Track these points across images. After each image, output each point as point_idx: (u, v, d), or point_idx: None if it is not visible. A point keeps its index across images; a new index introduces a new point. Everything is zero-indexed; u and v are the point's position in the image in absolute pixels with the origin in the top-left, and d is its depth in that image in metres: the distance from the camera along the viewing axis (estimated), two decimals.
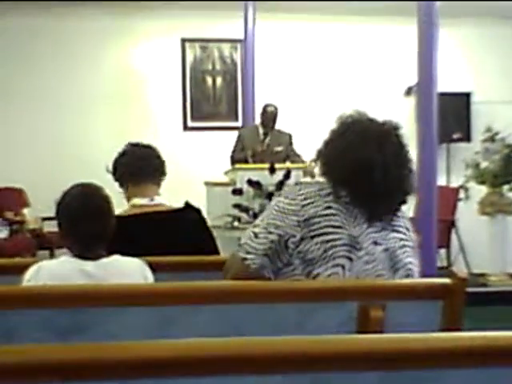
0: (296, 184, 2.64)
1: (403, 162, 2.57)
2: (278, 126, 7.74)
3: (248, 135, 7.77)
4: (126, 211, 3.47)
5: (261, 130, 7.70)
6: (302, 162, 7.22)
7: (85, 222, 2.71)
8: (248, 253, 2.48)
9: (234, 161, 7.62)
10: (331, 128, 2.64)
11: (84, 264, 2.67)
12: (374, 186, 2.47)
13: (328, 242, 2.41)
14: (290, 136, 7.71)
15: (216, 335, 1.56)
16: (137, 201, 3.49)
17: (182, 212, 3.52)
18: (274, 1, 8.43)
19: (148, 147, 3.65)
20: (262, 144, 7.58)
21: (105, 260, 2.71)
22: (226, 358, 1.48)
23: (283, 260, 2.45)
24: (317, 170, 2.64)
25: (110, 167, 3.61)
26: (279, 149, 7.52)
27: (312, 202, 2.46)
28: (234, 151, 7.73)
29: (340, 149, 2.55)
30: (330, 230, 2.42)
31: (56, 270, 2.64)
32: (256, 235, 2.49)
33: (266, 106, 7.77)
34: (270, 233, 2.46)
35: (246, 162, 7.32)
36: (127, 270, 2.71)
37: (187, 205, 3.58)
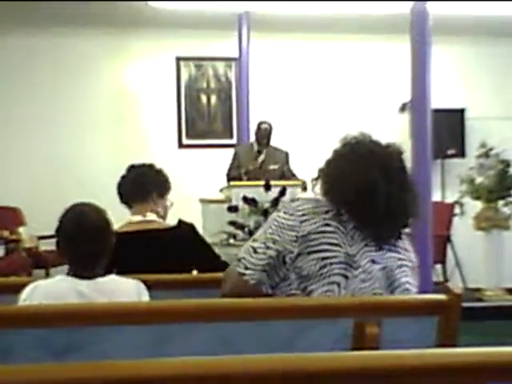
0: (295, 200, 2.64)
1: (407, 187, 2.57)
2: (273, 144, 7.75)
3: (243, 153, 7.78)
4: (119, 229, 3.49)
5: (255, 148, 7.71)
6: (297, 181, 7.21)
7: (82, 242, 2.71)
8: (246, 268, 2.48)
9: (229, 178, 7.63)
10: (334, 148, 2.64)
11: (79, 283, 2.67)
12: (377, 209, 2.47)
13: (324, 259, 2.42)
14: (286, 154, 7.71)
15: (210, 353, 1.56)
16: (132, 218, 3.53)
17: (175, 229, 3.54)
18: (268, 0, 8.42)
19: (143, 166, 3.69)
20: (256, 161, 7.59)
21: (101, 279, 2.70)
22: (221, 375, 1.48)
23: (280, 275, 2.46)
24: (317, 189, 2.63)
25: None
26: (274, 167, 7.52)
27: (310, 219, 2.46)
28: (229, 169, 7.74)
29: (343, 170, 2.55)
30: (327, 247, 2.43)
31: (51, 289, 2.64)
32: (255, 250, 2.49)
33: (260, 124, 7.78)
34: (269, 248, 2.47)
35: (241, 179, 7.32)
36: (123, 290, 2.71)
37: (180, 222, 3.60)
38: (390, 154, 2.59)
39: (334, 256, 2.42)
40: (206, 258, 3.55)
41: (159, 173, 3.71)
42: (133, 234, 3.45)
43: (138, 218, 3.52)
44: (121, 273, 2.79)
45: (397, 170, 2.56)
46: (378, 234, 2.49)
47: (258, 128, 7.74)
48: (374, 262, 2.47)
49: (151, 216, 3.55)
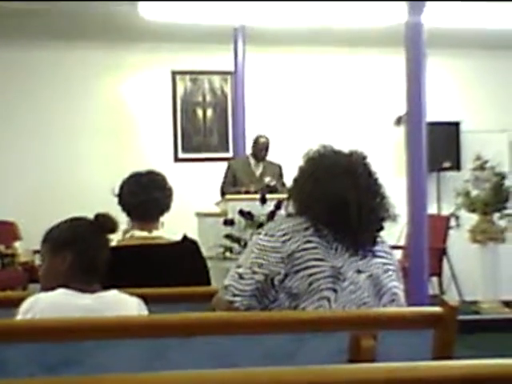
0: (273, 220, 2.66)
1: (375, 191, 2.60)
2: (269, 158, 7.76)
3: (239, 167, 7.78)
4: (122, 241, 3.49)
5: (252, 161, 7.71)
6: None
7: (76, 256, 2.72)
8: (235, 295, 2.47)
9: (223, 193, 7.62)
10: (299, 165, 2.66)
11: (82, 297, 2.65)
12: (350, 220, 2.49)
13: (311, 275, 2.42)
14: (279, 167, 7.72)
15: (207, 366, 1.56)
16: (136, 233, 3.50)
17: (179, 245, 3.53)
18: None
19: (154, 177, 3.62)
20: (254, 176, 7.59)
21: (102, 294, 2.69)
22: None
23: (270, 298, 2.45)
24: (290, 209, 2.65)
25: (116, 190, 3.61)
26: (272, 183, 7.51)
27: (292, 238, 2.47)
28: (224, 183, 7.73)
29: (311, 188, 2.57)
30: (313, 263, 2.43)
31: (53, 303, 2.62)
32: (241, 276, 2.48)
33: (257, 137, 7.80)
34: (255, 273, 2.46)
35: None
36: (125, 306, 2.69)
37: (185, 238, 3.59)
38: (355, 162, 2.61)
39: (321, 271, 2.43)
40: (201, 279, 3.52)
41: (170, 195, 3.64)
42: (135, 248, 3.44)
43: (143, 233, 3.50)
44: (120, 286, 2.78)
45: (363, 176, 2.59)
46: (355, 242, 2.50)
47: (256, 142, 7.76)
48: (359, 271, 2.48)
49: (157, 232, 3.53)
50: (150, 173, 3.62)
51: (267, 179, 7.53)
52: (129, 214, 3.56)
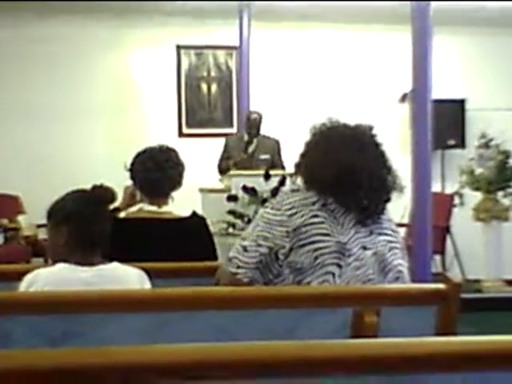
0: (281, 194, 2.65)
1: (382, 162, 2.60)
2: (265, 133, 7.71)
3: (233, 143, 7.77)
4: (131, 213, 3.49)
5: (245, 138, 7.69)
6: (283, 170, 7.12)
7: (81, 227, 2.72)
8: (238, 267, 2.48)
9: (220, 170, 7.63)
10: (306, 140, 2.66)
11: (82, 270, 2.66)
12: (361, 187, 2.49)
13: (317, 250, 2.42)
14: (277, 142, 7.66)
15: (209, 341, 1.56)
16: (145, 206, 3.51)
17: (187, 220, 3.53)
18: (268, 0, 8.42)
19: (168, 153, 3.61)
20: (246, 152, 7.56)
21: (103, 267, 2.70)
22: (220, 362, 1.48)
23: (273, 271, 2.45)
24: (299, 182, 2.65)
25: (128, 165, 3.61)
26: (265, 157, 7.48)
27: (298, 212, 2.46)
28: (220, 160, 7.72)
29: (319, 156, 2.57)
30: (319, 237, 2.43)
31: (54, 277, 2.62)
32: (245, 249, 2.48)
33: (249, 113, 7.78)
34: (260, 245, 2.46)
35: (230, 170, 7.28)
36: (126, 278, 2.70)
37: (193, 214, 3.59)
38: (362, 132, 2.62)
39: (326, 246, 2.42)
40: (207, 255, 3.53)
41: (182, 171, 3.63)
42: (142, 221, 3.45)
43: (152, 208, 3.50)
44: (125, 259, 2.78)
45: (370, 145, 2.59)
46: (363, 212, 2.50)
47: (248, 118, 7.73)
48: (365, 248, 2.48)
49: (166, 207, 3.53)
50: (164, 149, 3.62)
51: (261, 156, 7.49)
52: (141, 189, 3.56)
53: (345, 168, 2.51)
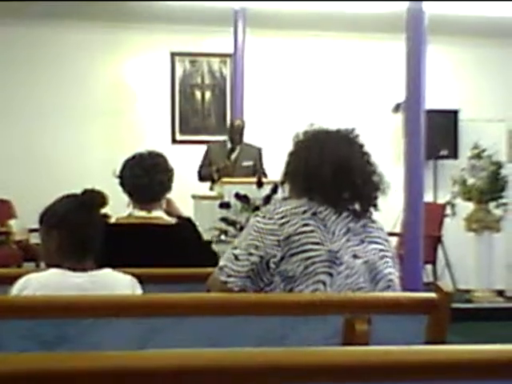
0: (272, 202, 2.67)
1: (368, 160, 2.62)
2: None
3: (215, 150, 7.77)
4: (121, 219, 3.48)
5: (228, 145, 7.70)
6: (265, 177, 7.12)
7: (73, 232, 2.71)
8: (229, 276, 2.48)
9: (200, 176, 7.62)
10: (289, 150, 2.69)
11: (74, 276, 2.65)
12: (354, 185, 2.51)
13: (308, 258, 2.43)
14: (259, 150, 7.68)
15: (200, 346, 1.56)
16: (134, 212, 3.50)
17: (174, 226, 3.52)
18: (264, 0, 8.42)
19: (156, 159, 3.61)
20: (229, 159, 7.56)
21: (95, 272, 2.69)
22: (211, 369, 1.48)
23: (265, 280, 2.46)
24: (287, 191, 2.68)
25: (117, 172, 3.61)
26: (247, 164, 7.48)
27: (289, 220, 2.47)
28: (200, 166, 7.72)
29: (316, 158, 2.58)
30: (310, 246, 2.44)
31: (45, 282, 2.62)
32: (236, 257, 2.48)
33: (232, 121, 7.79)
34: (251, 254, 2.46)
35: (212, 177, 7.27)
36: (118, 284, 2.69)
37: (179, 218, 3.59)
38: (347, 133, 2.64)
39: (318, 255, 2.43)
40: (201, 258, 3.53)
41: (171, 176, 3.63)
42: (132, 227, 3.44)
43: (142, 213, 3.50)
44: (115, 264, 2.77)
45: (357, 144, 2.63)
46: (354, 211, 2.53)
47: (231, 125, 7.75)
48: (356, 256, 2.48)
49: (157, 213, 3.52)
50: (152, 155, 3.62)
51: (244, 163, 7.49)
52: (130, 195, 3.56)
53: (341, 164, 2.53)
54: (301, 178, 2.60)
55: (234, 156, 7.61)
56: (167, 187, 3.58)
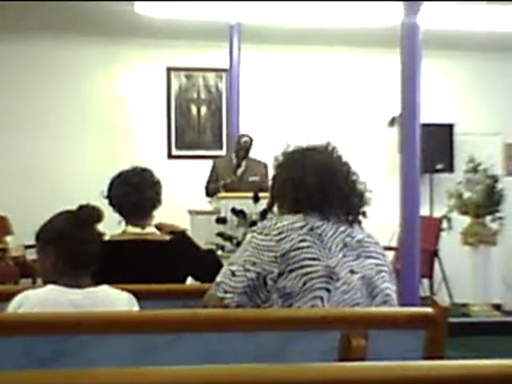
0: (269, 218, 2.68)
1: (348, 168, 2.66)
2: (256, 156, 7.73)
3: (221, 165, 7.77)
4: (115, 236, 3.48)
5: (234, 160, 7.71)
6: None
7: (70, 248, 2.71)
8: (226, 292, 2.47)
9: (207, 192, 7.63)
10: (272, 175, 2.74)
11: (71, 292, 2.64)
12: (340, 190, 2.54)
13: (306, 274, 2.42)
14: (265, 166, 7.69)
15: (197, 363, 1.56)
16: (128, 228, 3.50)
17: (169, 241, 3.52)
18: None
19: (142, 175, 3.61)
20: (235, 174, 7.57)
21: (92, 289, 2.68)
22: None
23: (262, 297, 2.45)
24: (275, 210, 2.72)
25: (105, 192, 3.61)
26: (254, 178, 7.49)
27: (286, 236, 2.47)
28: (208, 182, 7.73)
29: (295, 170, 2.62)
30: (307, 262, 2.44)
31: (43, 299, 2.61)
32: (233, 273, 2.48)
33: (240, 137, 7.80)
34: (248, 270, 2.46)
35: (219, 192, 7.28)
36: (115, 301, 2.69)
37: (176, 234, 3.59)
38: (326, 147, 2.68)
39: (315, 271, 2.43)
40: (201, 265, 3.54)
41: (159, 189, 3.63)
42: (127, 243, 3.44)
43: (136, 229, 3.50)
44: (111, 281, 2.77)
45: (336, 152, 2.67)
46: (348, 211, 2.57)
47: (238, 141, 7.76)
48: (353, 271, 2.48)
49: (150, 229, 3.53)
50: (137, 171, 3.61)
51: (250, 178, 7.50)
52: (120, 213, 3.56)
53: (324, 170, 2.57)
54: (288, 192, 2.61)
55: (240, 171, 7.61)
56: (156, 201, 3.58)
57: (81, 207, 2.85)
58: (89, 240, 2.75)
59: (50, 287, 2.66)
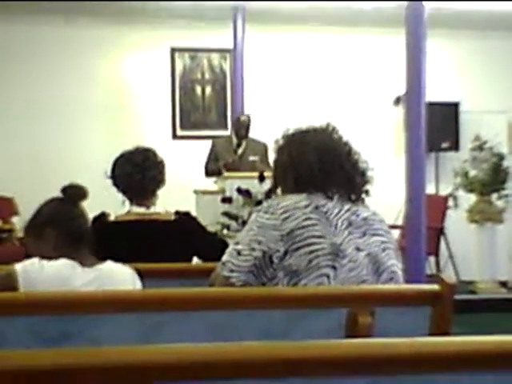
0: (274, 197, 2.68)
1: (350, 148, 2.67)
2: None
3: (221, 145, 7.77)
4: (120, 216, 3.49)
5: (234, 140, 7.70)
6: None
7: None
8: (232, 271, 2.48)
9: (207, 172, 7.63)
10: (273, 159, 2.75)
11: (83, 270, 2.67)
12: (343, 166, 2.54)
13: (311, 252, 2.43)
14: (264, 145, 7.68)
15: (204, 340, 1.56)
16: (133, 208, 3.51)
17: (174, 222, 3.53)
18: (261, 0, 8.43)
19: (145, 154, 3.61)
20: (235, 154, 7.57)
21: (100, 266, 2.71)
22: (215, 363, 1.48)
23: (267, 275, 2.46)
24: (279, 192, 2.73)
25: (109, 172, 3.62)
26: (254, 158, 7.49)
27: (291, 215, 2.47)
28: (207, 162, 7.73)
29: (296, 151, 2.62)
30: (313, 240, 2.44)
31: (59, 271, 2.63)
32: (239, 252, 2.49)
33: (239, 116, 7.81)
34: (253, 249, 2.46)
35: (220, 172, 7.28)
36: (120, 278, 2.71)
37: (177, 213, 3.59)
38: (326, 127, 2.69)
39: (321, 248, 2.43)
40: (207, 244, 3.55)
41: (163, 169, 3.63)
42: (132, 223, 3.45)
43: (141, 209, 3.51)
44: (116, 261, 2.79)
45: (338, 136, 2.68)
46: (351, 188, 2.58)
47: (237, 120, 7.76)
48: (358, 249, 2.49)
49: (155, 208, 3.54)
50: (140, 150, 3.62)
51: (251, 158, 7.50)
52: (125, 193, 3.57)
53: (325, 149, 2.57)
54: (289, 172, 2.61)
55: (240, 151, 7.61)
56: (160, 180, 3.60)
57: (65, 188, 2.88)
58: (82, 215, 2.79)
59: (64, 261, 2.67)
